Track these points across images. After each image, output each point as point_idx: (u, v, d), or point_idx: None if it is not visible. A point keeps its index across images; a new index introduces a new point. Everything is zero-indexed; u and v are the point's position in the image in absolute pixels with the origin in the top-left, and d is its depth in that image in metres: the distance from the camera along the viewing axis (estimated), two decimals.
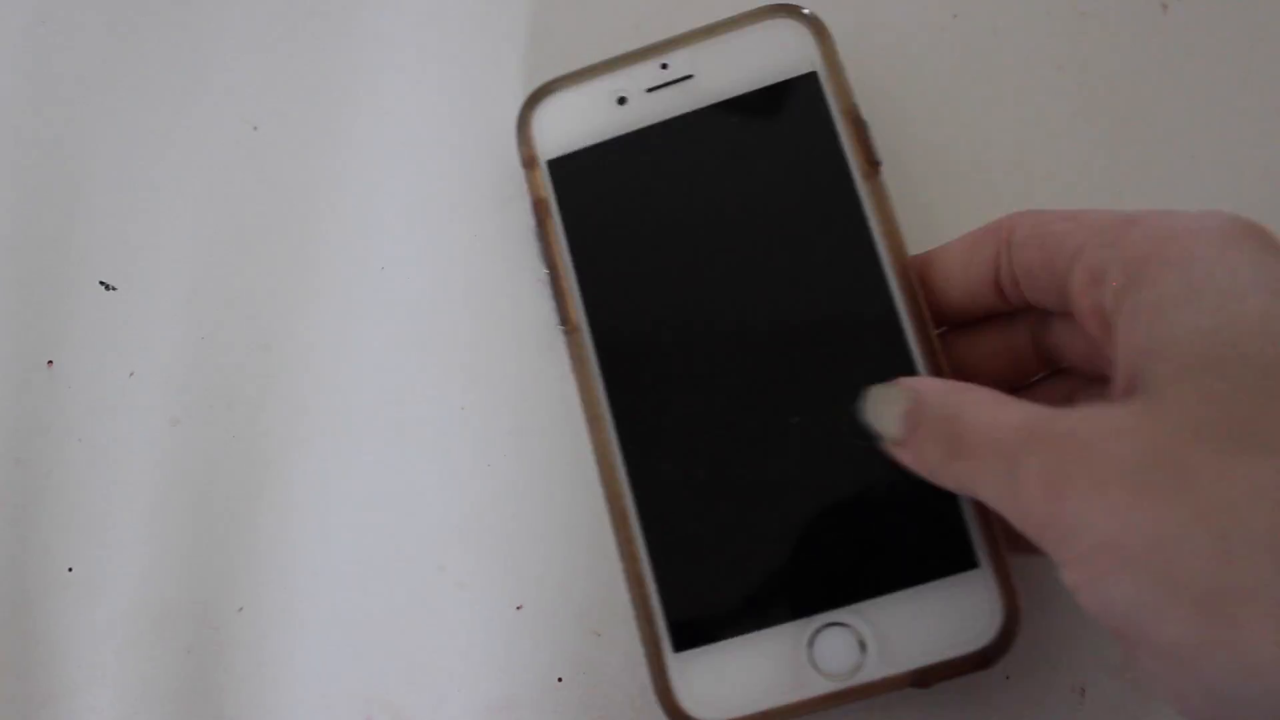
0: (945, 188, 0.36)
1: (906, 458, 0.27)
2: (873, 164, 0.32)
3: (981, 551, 0.29)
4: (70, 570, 0.32)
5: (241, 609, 0.32)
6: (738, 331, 0.31)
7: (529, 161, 0.33)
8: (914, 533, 0.30)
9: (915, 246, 0.32)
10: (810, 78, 0.33)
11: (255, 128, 0.37)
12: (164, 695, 0.32)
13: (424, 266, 0.35)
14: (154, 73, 0.37)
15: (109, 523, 0.33)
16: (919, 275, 0.31)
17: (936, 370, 0.30)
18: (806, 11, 0.33)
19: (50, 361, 0.34)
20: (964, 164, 0.36)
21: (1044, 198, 0.36)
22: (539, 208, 0.33)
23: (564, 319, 0.32)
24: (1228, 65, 0.37)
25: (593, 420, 0.31)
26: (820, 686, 0.29)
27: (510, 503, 0.33)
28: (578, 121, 0.33)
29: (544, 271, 0.32)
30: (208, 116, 0.37)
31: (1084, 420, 0.23)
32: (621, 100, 0.33)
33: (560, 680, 0.32)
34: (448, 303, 0.35)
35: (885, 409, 0.28)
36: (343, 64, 0.37)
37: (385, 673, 0.32)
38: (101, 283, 0.35)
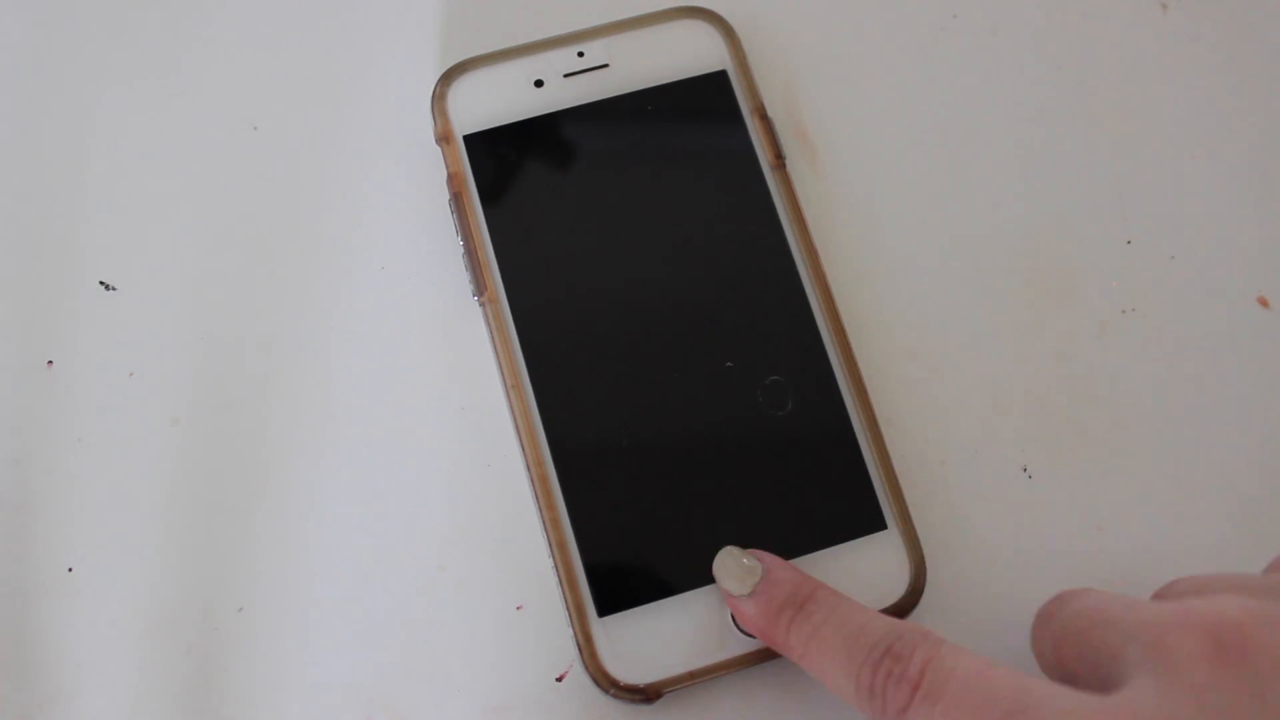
0: (945, 187, 0.36)
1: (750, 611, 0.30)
2: (779, 157, 0.34)
3: (890, 514, 0.32)
4: (70, 570, 0.32)
5: (241, 609, 0.32)
6: (652, 305, 0.33)
7: (444, 136, 0.34)
8: (827, 498, 0.32)
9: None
10: (720, 75, 0.35)
11: (255, 128, 0.37)
12: (164, 695, 0.31)
13: (424, 266, 0.35)
14: (154, 73, 0.37)
15: (109, 523, 0.33)
16: None
17: (842, 346, 0.33)
18: (717, 13, 0.36)
19: (50, 361, 0.34)
20: (964, 164, 0.36)
21: (1044, 199, 0.36)
22: (454, 181, 0.34)
23: (480, 289, 0.33)
24: (1228, 65, 0.37)
25: (512, 389, 0.32)
26: (743, 646, 0.31)
27: (510, 503, 0.33)
28: (494, 100, 0.35)
29: (460, 243, 0.33)
30: (208, 116, 0.37)
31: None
32: (539, 83, 0.35)
33: (560, 680, 0.32)
34: (449, 302, 0.35)
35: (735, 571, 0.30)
36: (343, 63, 0.37)
37: (385, 673, 0.32)
38: (101, 283, 0.35)
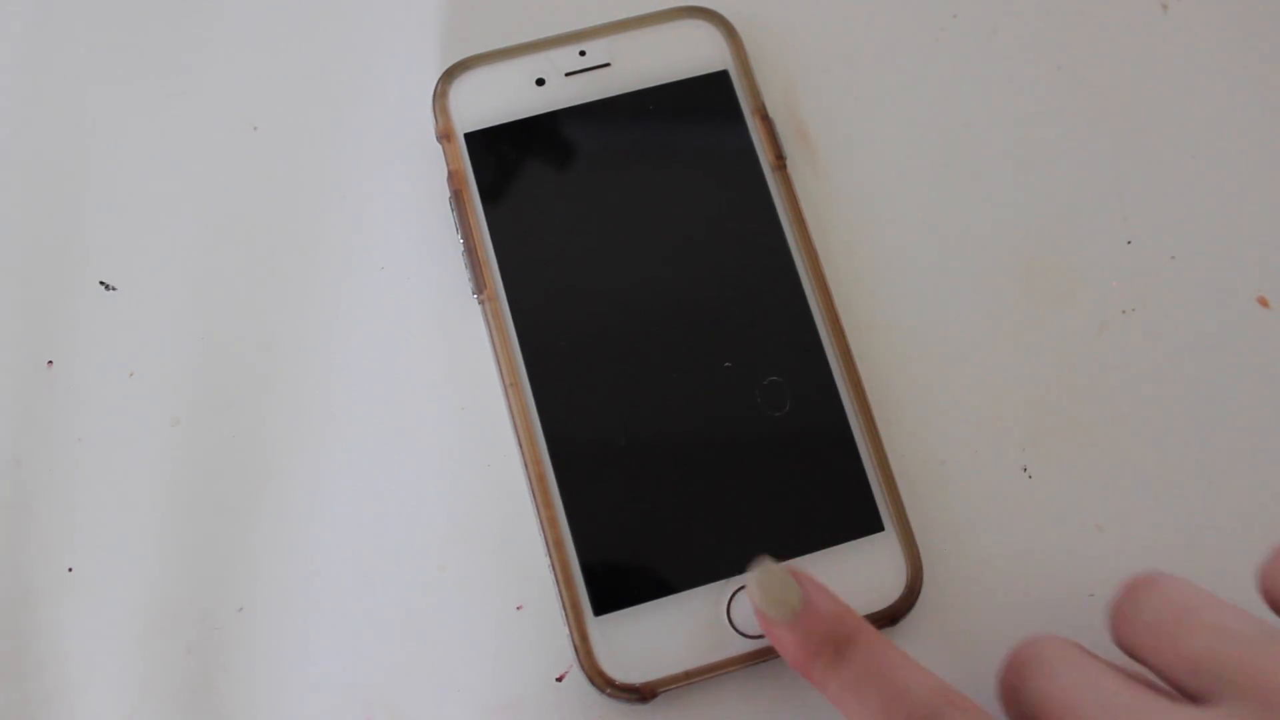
0: (945, 187, 0.36)
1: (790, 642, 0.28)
2: (780, 158, 0.34)
3: (887, 516, 0.32)
4: (70, 570, 0.32)
5: (241, 609, 0.32)
6: (652, 305, 0.33)
7: (445, 134, 0.34)
8: (825, 498, 0.32)
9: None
10: (722, 75, 0.35)
11: (255, 128, 0.37)
12: (164, 695, 0.32)
13: (424, 266, 0.35)
14: (154, 72, 0.37)
15: (109, 523, 0.33)
16: None
17: (841, 347, 0.33)
18: (718, 13, 0.36)
19: (50, 361, 0.34)
20: (964, 164, 0.36)
21: (1044, 199, 0.36)
22: (455, 179, 0.34)
23: (480, 287, 0.33)
24: (1228, 65, 0.37)
25: (510, 387, 0.32)
26: (739, 646, 0.30)
27: (510, 502, 0.33)
28: (496, 98, 0.35)
29: (459, 241, 0.34)
30: (208, 116, 0.37)
31: None
32: (540, 81, 0.35)
33: (560, 680, 0.32)
34: (448, 302, 0.35)
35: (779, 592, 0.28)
36: (343, 63, 0.37)
37: (385, 673, 0.32)
38: (101, 283, 0.35)
